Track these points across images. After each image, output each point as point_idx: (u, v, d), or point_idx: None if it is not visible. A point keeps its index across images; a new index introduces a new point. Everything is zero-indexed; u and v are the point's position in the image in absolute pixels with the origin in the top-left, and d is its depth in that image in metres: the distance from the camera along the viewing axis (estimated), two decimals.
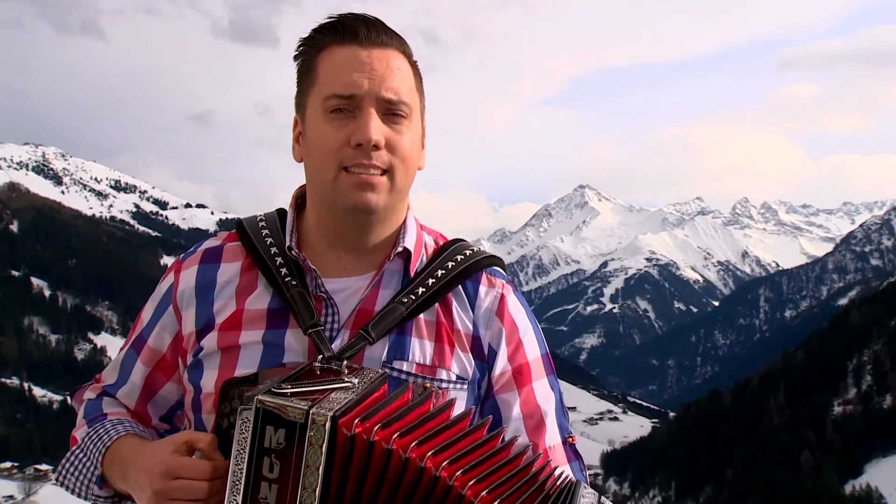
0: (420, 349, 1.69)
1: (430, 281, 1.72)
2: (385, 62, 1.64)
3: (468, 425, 1.46)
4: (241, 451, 1.38)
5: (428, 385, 1.59)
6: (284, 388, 1.41)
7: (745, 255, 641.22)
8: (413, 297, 1.69)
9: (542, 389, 1.78)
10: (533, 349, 1.79)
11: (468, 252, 1.80)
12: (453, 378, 1.69)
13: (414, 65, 1.73)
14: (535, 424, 1.75)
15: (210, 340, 1.70)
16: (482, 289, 1.77)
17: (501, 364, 1.75)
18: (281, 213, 1.84)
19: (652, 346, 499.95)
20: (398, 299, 1.68)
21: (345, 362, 1.58)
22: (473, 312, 1.74)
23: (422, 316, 1.70)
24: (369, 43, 1.64)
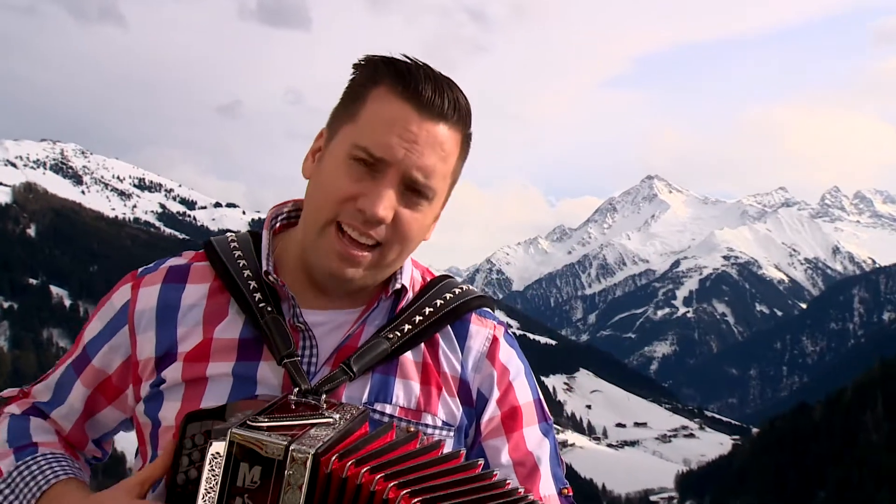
0: (405, 391, 1.70)
1: (417, 318, 1.73)
2: (433, 138, 1.62)
3: (452, 464, 1.46)
4: (211, 491, 1.34)
5: (412, 430, 1.57)
6: (260, 422, 1.39)
7: (836, 251, 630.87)
8: (399, 334, 1.69)
9: (534, 436, 1.79)
10: (524, 393, 1.81)
11: (458, 290, 1.81)
12: (439, 424, 1.71)
13: (465, 141, 1.71)
14: (526, 473, 1.76)
15: (173, 371, 1.68)
16: (472, 329, 1.79)
17: (490, 410, 1.76)
18: (254, 235, 1.83)
19: (731, 355, 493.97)
20: (383, 334, 1.69)
21: (323, 396, 1.58)
22: (462, 354, 1.76)
23: (407, 355, 1.71)
24: (427, 112, 1.62)
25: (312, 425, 1.43)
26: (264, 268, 1.71)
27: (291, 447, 1.33)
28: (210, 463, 1.36)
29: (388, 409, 1.67)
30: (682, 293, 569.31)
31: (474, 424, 1.76)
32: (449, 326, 1.77)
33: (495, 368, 1.77)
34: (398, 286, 1.74)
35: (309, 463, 1.32)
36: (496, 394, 1.77)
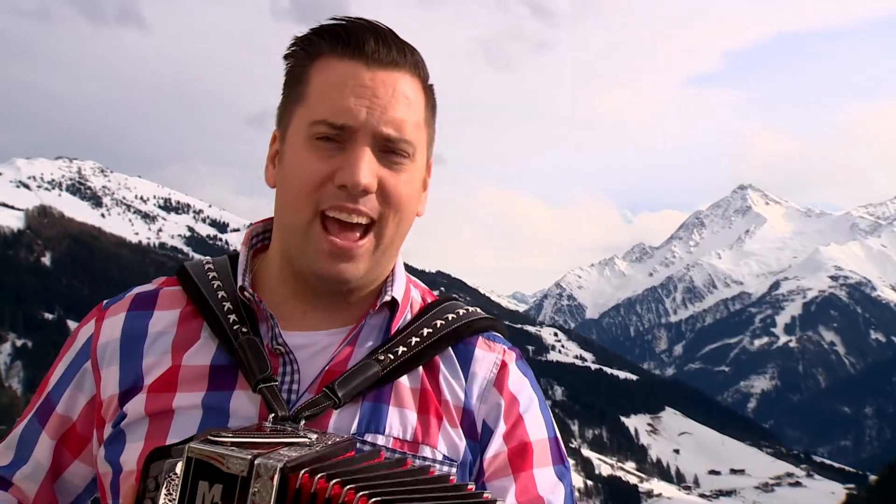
0: (400, 421, 1.67)
1: (414, 340, 1.72)
2: (391, 88, 1.65)
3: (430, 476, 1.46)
4: None
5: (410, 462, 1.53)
6: (223, 437, 1.38)
7: None
8: (392, 357, 1.68)
9: (547, 479, 1.74)
10: (537, 428, 1.77)
11: (462, 311, 1.81)
12: (439, 458, 1.68)
13: (428, 90, 1.75)
14: None
15: (135, 404, 1.66)
16: (478, 353, 1.78)
17: (496, 444, 1.73)
18: (233, 257, 1.84)
19: (842, 390, 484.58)
20: (374, 356, 1.68)
21: (302, 423, 1.56)
22: (466, 381, 1.74)
23: (403, 381, 1.70)
24: (376, 61, 1.65)
25: (284, 444, 1.41)
26: (239, 283, 1.72)
27: (257, 461, 1.30)
28: (166, 486, 1.33)
29: (381, 440, 1.64)
30: (782, 319, 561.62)
31: (479, 462, 1.73)
32: (451, 350, 1.76)
33: (503, 398, 1.74)
34: (387, 297, 1.74)
35: (276, 479, 1.30)
36: (503, 427, 1.74)
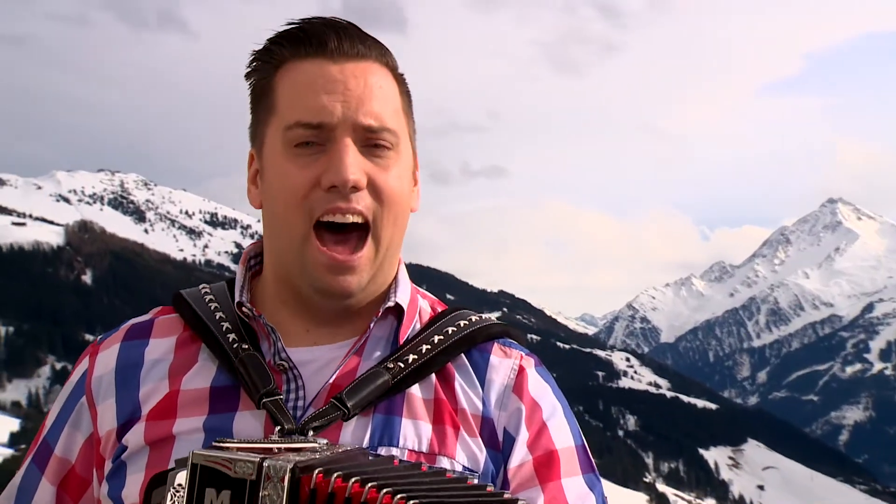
0: (414, 432, 1.68)
1: (424, 348, 1.73)
2: (362, 79, 1.67)
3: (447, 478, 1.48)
4: None
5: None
6: (228, 443, 1.41)
7: None
8: (402, 365, 1.70)
9: (577, 488, 1.73)
10: (563, 436, 1.77)
11: (474, 318, 1.83)
12: (459, 469, 1.68)
13: (399, 79, 1.78)
14: None
15: (135, 434, 1.68)
16: (494, 360, 1.79)
17: (520, 453, 1.73)
18: (231, 282, 1.87)
19: None
20: (383, 365, 1.70)
21: (310, 434, 1.59)
22: (483, 388, 1.75)
23: (415, 391, 1.71)
24: (341, 55, 1.68)
25: (291, 450, 1.43)
26: (237, 299, 1.75)
27: (265, 463, 1.32)
28: (171, 499, 1.36)
29: (395, 452, 1.65)
30: (877, 345, 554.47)
31: (502, 473, 1.73)
32: (465, 357, 1.78)
33: (524, 403, 1.75)
34: (390, 303, 1.76)
35: (287, 479, 1.31)
36: (526, 434, 1.73)
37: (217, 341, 1.71)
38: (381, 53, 1.73)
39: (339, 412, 1.61)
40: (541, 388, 1.78)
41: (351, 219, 1.65)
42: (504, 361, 1.78)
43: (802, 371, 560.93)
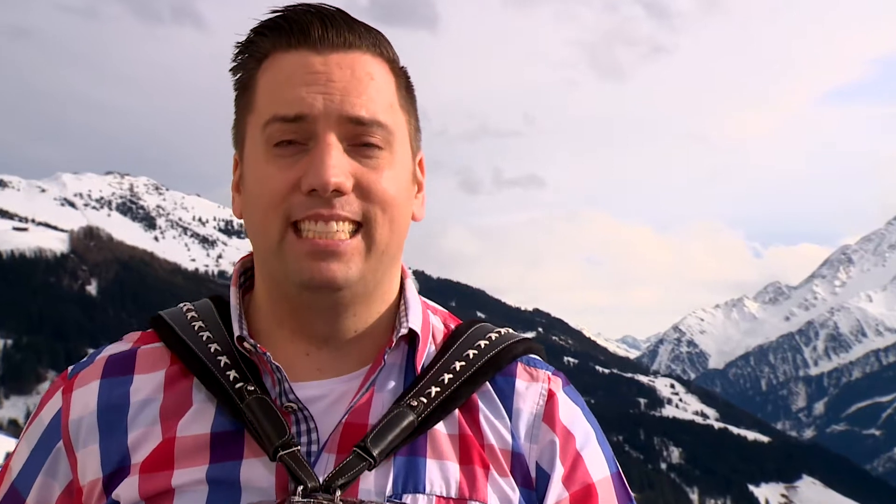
0: (441, 475, 1.64)
1: (446, 377, 1.69)
2: (349, 69, 1.61)
3: None
4: None
5: None
6: None
7: None
8: (424, 401, 1.65)
9: None
10: (598, 466, 1.75)
11: (494, 336, 1.79)
12: None
13: (397, 71, 1.71)
14: None
15: (128, 489, 1.61)
16: (520, 385, 1.75)
17: (556, 490, 1.70)
18: (217, 300, 1.83)
19: None
20: (405, 402, 1.64)
21: (338, 494, 1.55)
22: (511, 419, 1.71)
23: (439, 427, 1.67)
24: (326, 45, 1.62)
25: None
26: (237, 332, 1.68)
27: None
28: None
29: (422, 500, 1.61)
30: None
31: None
32: (488, 384, 1.73)
33: (556, 434, 1.72)
34: (404, 331, 1.69)
35: None
36: (561, 469, 1.70)
37: (215, 381, 1.65)
38: (374, 43, 1.66)
39: (364, 462, 1.57)
40: (572, 414, 1.75)
41: (335, 227, 1.58)
42: (531, 386, 1.74)
43: (864, 403, 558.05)
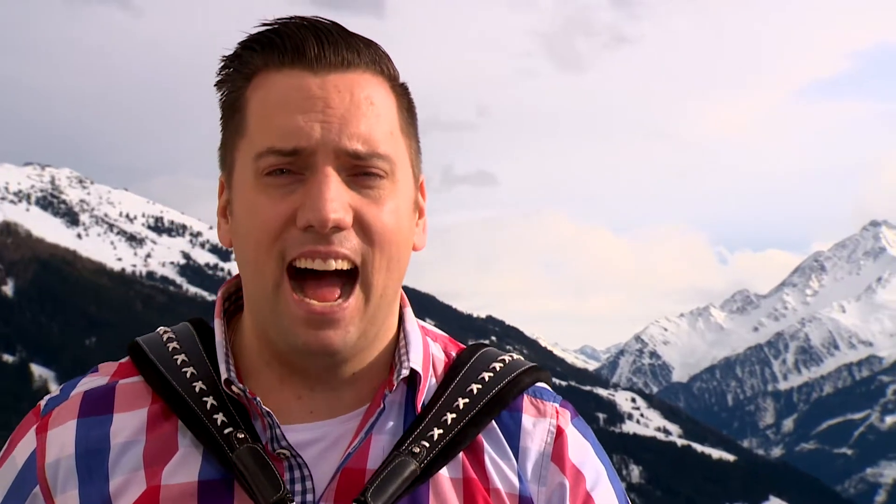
0: None
1: (449, 417, 1.68)
2: (348, 94, 1.61)
3: None
4: None
5: None
6: None
7: None
8: (427, 445, 1.65)
9: None
10: None
11: (498, 367, 1.77)
12: None
13: (398, 90, 1.71)
14: None
15: None
16: (526, 421, 1.75)
17: None
18: (198, 325, 1.81)
19: None
20: (406, 448, 1.64)
21: None
22: (517, 459, 1.72)
23: (442, 471, 1.67)
24: (323, 64, 1.61)
25: None
26: (224, 374, 1.66)
27: None
28: None
29: None
30: None
31: None
32: (494, 422, 1.73)
33: (566, 475, 1.72)
34: (405, 372, 1.68)
35: None
36: None
37: (202, 425, 1.63)
38: (373, 60, 1.66)
39: None
40: (582, 452, 1.76)
41: (333, 265, 1.58)
42: (539, 423, 1.75)
43: (835, 420, 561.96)
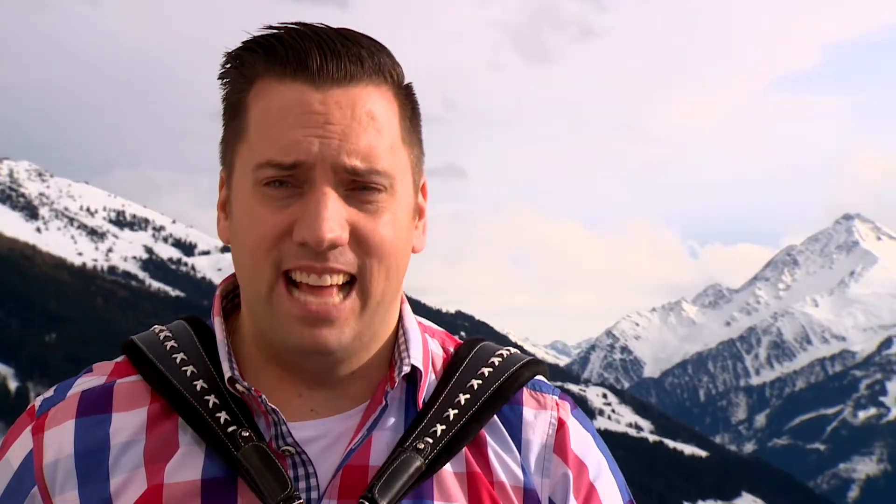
0: None
1: (451, 413, 1.71)
2: (349, 109, 1.61)
3: None
4: None
5: None
6: None
7: None
8: (430, 441, 1.67)
9: None
10: (612, 497, 1.80)
11: (497, 361, 1.80)
12: None
13: (402, 95, 1.72)
14: None
15: None
16: (527, 413, 1.78)
17: None
18: (195, 323, 1.82)
19: None
20: (410, 444, 1.66)
21: None
22: (520, 452, 1.75)
23: (446, 468, 1.69)
24: (325, 79, 1.61)
25: None
26: (227, 373, 1.68)
27: None
28: None
29: None
30: (895, 386, 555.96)
31: None
32: (496, 416, 1.76)
33: (569, 466, 1.76)
34: (406, 369, 1.70)
35: None
36: (574, 502, 1.75)
37: (204, 423, 1.65)
38: (377, 69, 1.65)
39: None
40: (584, 443, 1.80)
41: (329, 280, 1.61)
42: (540, 415, 1.78)
43: (808, 415, 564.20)
